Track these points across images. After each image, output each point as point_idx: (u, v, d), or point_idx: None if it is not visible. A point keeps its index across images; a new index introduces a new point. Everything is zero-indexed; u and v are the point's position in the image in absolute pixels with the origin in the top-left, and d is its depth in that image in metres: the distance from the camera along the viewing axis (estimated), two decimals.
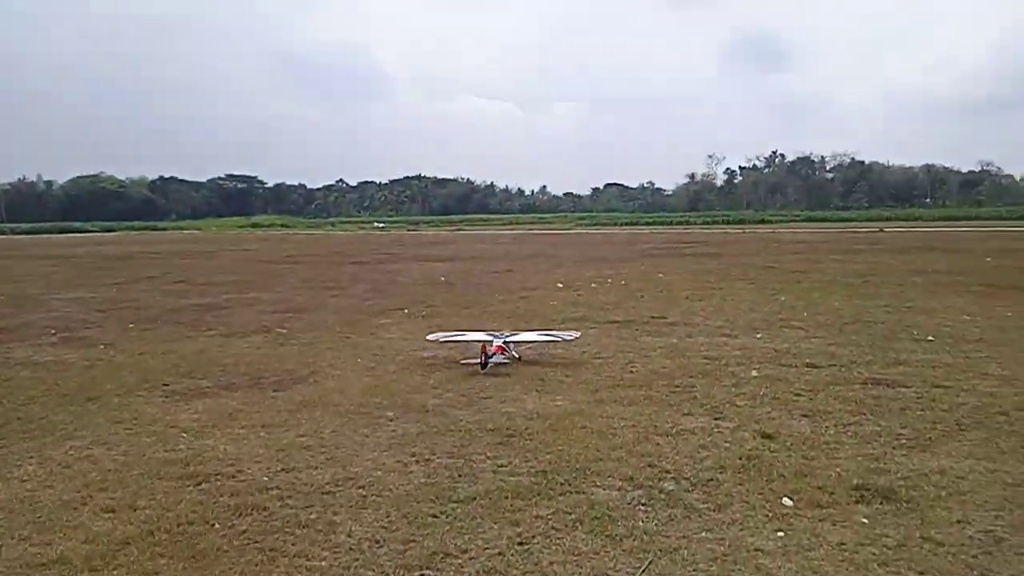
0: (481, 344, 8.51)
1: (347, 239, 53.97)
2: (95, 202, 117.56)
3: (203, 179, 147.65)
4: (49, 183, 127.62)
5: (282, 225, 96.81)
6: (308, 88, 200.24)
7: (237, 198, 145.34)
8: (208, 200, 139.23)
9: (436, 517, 4.30)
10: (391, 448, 5.61)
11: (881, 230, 51.18)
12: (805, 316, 11.58)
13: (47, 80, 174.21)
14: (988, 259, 22.86)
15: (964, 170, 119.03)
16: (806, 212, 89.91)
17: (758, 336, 9.91)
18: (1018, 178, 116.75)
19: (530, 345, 9.41)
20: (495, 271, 22.10)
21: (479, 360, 8.21)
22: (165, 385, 7.82)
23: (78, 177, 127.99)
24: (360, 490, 4.75)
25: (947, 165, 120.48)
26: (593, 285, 17.15)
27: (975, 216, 73.79)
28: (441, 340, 9.31)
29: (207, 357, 9.31)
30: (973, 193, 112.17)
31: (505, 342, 8.96)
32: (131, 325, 12.10)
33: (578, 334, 9.50)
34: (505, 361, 8.59)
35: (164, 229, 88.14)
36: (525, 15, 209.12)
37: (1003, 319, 10.92)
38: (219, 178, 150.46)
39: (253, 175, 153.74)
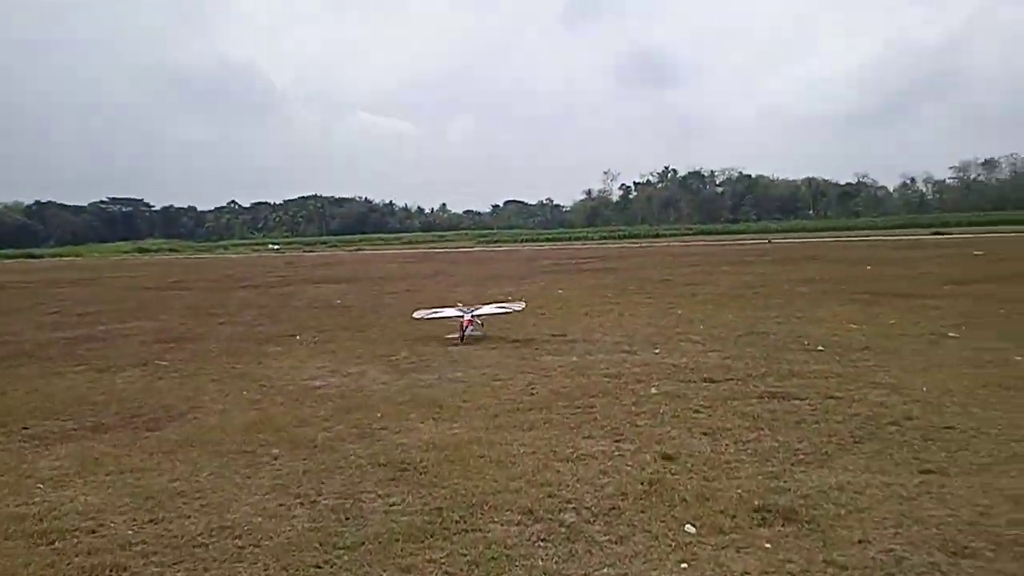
0: (460, 321, 11.43)
1: (239, 262, 52.26)
2: None
3: (85, 203, 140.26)
4: None
5: (170, 249, 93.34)
6: (198, 108, 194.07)
7: (122, 222, 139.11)
8: (90, 225, 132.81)
9: (320, 568, 3.93)
10: (274, 490, 5.19)
11: (769, 241, 53.25)
12: (701, 329, 11.69)
13: None
14: (868, 267, 23.95)
15: (842, 182, 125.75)
16: (698, 225, 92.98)
17: (656, 351, 9.90)
18: (891, 189, 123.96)
19: (487, 317, 12.13)
20: (393, 292, 21.65)
21: (459, 335, 11.16)
22: (24, 429, 7.09)
23: None
24: (236, 540, 4.32)
25: (827, 178, 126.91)
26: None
27: (854, 226, 77.93)
28: (426, 317, 12.19)
29: (76, 395, 8.57)
30: (851, 204, 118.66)
31: (472, 316, 11.78)
32: None
33: (523, 304, 12.88)
34: (477, 333, 11.51)
35: (40, 256, 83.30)
36: (422, 34, 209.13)
37: (886, 327, 11.30)
38: (102, 202, 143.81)
39: (139, 198, 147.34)
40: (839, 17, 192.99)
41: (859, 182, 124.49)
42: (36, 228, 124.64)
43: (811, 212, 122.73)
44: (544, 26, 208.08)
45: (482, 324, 11.77)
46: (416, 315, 12.42)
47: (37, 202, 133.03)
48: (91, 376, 9.74)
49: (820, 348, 9.63)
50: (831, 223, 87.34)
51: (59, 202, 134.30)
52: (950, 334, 10.41)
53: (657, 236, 75.71)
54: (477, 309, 12.23)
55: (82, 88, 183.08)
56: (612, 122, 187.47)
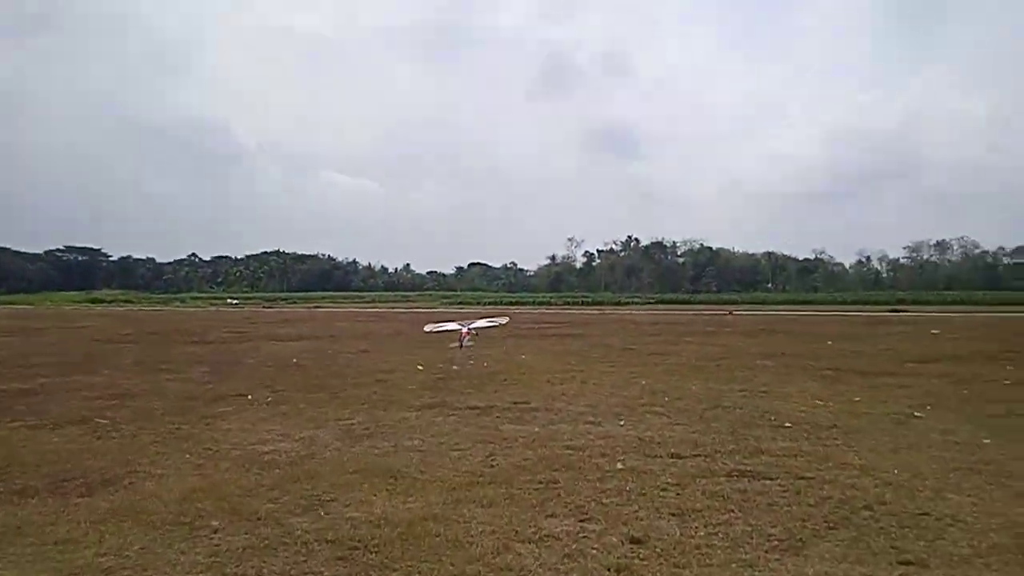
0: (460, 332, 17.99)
1: (194, 316, 51.26)
2: None
3: (39, 250, 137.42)
4: None
5: (125, 300, 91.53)
6: (164, 160, 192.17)
7: (78, 271, 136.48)
8: (46, 273, 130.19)
9: None
10: (210, 568, 4.76)
11: (730, 313, 53.69)
12: (666, 401, 11.44)
13: None
14: (829, 343, 24.07)
15: (801, 257, 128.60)
16: (660, 294, 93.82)
17: (621, 423, 9.60)
18: (847, 266, 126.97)
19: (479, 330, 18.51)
20: (352, 352, 21.17)
21: (459, 343, 17.48)
22: None
23: None
24: None
25: (786, 252, 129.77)
26: (454, 368, 16.58)
27: (813, 300, 79.31)
28: (435, 331, 19.18)
29: (4, 454, 7.99)
30: (810, 279, 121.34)
31: (469, 330, 18.92)
32: None
33: (507, 319, 19.95)
34: (471, 344, 17.91)
35: None
36: (392, 97, 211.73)
37: (852, 404, 11.16)
38: (58, 250, 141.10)
39: (97, 247, 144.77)
40: (796, 99, 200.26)
41: (817, 258, 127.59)
42: None
43: (771, 285, 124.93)
44: (511, 97, 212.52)
45: (476, 334, 18.51)
46: (426, 328, 20.85)
47: None
48: (24, 434, 9.15)
49: (787, 425, 9.42)
50: (791, 296, 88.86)
51: (14, 249, 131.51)
52: (916, 414, 10.29)
53: (620, 304, 76.15)
54: (472, 323, 19.69)
55: (44, 136, 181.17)
56: (577, 190, 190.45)
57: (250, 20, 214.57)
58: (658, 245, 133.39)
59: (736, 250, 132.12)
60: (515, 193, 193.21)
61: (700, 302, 79.20)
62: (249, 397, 12.05)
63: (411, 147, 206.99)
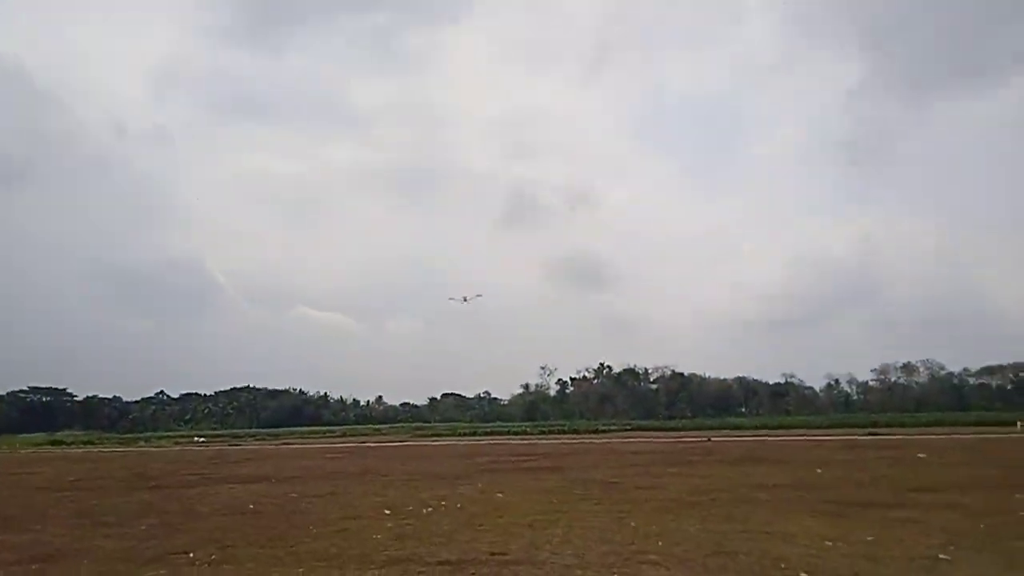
0: None
1: (156, 457, 48.84)
2: None
3: (2, 392, 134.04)
4: None
5: (86, 442, 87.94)
6: (134, 300, 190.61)
7: (41, 412, 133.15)
8: (7, 415, 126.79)
9: None
10: None
11: (709, 439, 52.34)
12: (661, 547, 10.24)
13: None
14: (819, 471, 22.96)
15: (771, 382, 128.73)
16: (635, 421, 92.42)
17: None
18: (818, 389, 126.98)
19: None
20: (315, 494, 19.60)
21: None
22: None
23: None
24: None
25: (756, 377, 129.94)
26: (426, 510, 15.22)
27: (788, 425, 78.20)
28: None
29: None
30: (782, 403, 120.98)
31: None
32: None
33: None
34: None
35: None
36: (361, 233, 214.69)
37: (867, 545, 10.06)
38: (21, 391, 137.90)
39: (61, 387, 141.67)
40: (755, 228, 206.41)
41: (787, 382, 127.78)
42: None
43: (743, 410, 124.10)
44: (481, 231, 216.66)
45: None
46: None
47: None
48: None
49: (803, 575, 8.30)
50: (765, 421, 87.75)
51: None
52: (941, 556, 9.22)
53: (596, 431, 74.36)
54: None
55: (10, 278, 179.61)
56: (546, 319, 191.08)
57: (226, 163, 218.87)
58: (630, 372, 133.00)
59: (708, 375, 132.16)
60: (486, 323, 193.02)
61: (676, 428, 77.69)
62: (191, 555, 10.65)
63: (384, 281, 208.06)
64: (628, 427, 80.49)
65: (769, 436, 57.16)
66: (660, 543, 10.54)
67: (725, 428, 75.20)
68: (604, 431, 74.85)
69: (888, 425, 70.03)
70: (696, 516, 13.32)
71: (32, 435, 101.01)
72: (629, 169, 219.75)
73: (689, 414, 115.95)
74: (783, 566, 8.78)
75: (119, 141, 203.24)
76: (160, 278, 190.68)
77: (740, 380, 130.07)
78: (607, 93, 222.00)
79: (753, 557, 9.39)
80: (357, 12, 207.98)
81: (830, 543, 10.25)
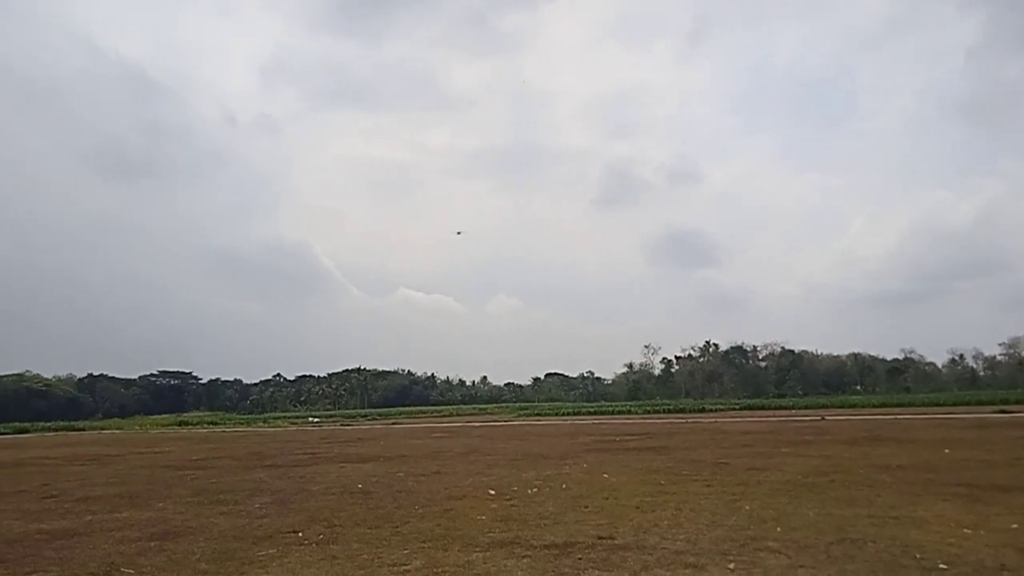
0: None
1: (273, 437, 50.72)
2: (17, 401, 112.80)
3: (135, 376, 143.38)
4: None
5: (211, 422, 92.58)
6: (246, 284, 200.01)
7: (170, 395, 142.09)
8: (139, 397, 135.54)
9: None
10: None
11: (823, 418, 50.31)
12: (779, 532, 9.67)
13: None
14: (946, 451, 21.55)
15: (889, 358, 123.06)
16: (744, 400, 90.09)
17: (731, 566, 7.92)
18: (940, 365, 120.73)
19: None
20: (421, 474, 19.75)
21: None
22: None
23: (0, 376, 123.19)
24: None
25: (872, 353, 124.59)
26: (531, 491, 15.04)
27: (908, 403, 74.34)
28: None
29: None
30: (900, 380, 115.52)
31: None
32: None
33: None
34: None
35: (82, 429, 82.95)
36: (460, 215, 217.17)
37: (1011, 534, 9.19)
38: (151, 375, 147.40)
39: (187, 371, 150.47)
40: (866, 200, 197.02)
41: (906, 358, 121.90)
42: (86, 401, 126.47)
43: (859, 388, 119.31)
44: (580, 209, 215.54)
45: None
46: None
47: (89, 375, 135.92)
48: None
49: (942, 566, 7.61)
50: (884, 399, 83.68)
51: (110, 375, 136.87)
52: None
53: (703, 411, 72.78)
54: None
55: (136, 266, 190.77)
56: (649, 297, 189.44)
57: (331, 149, 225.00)
58: (738, 350, 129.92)
59: (819, 353, 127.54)
60: (588, 302, 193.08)
61: (787, 407, 75.10)
62: (300, 534, 10.78)
63: (483, 262, 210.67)
64: (736, 406, 78.47)
65: (888, 414, 54.52)
66: (778, 528, 9.95)
67: (840, 406, 72.21)
68: (711, 410, 73.22)
69: (1020, 402, 65.61)
70: (815, 499, 12.60)
71: (161, 416, 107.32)
72: (732, 144, 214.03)
73: (800, 392, 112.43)
74: (918, 556, 8.09)
75: (231, 132, 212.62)
76: (271, 264, 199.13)
77: (855, 357, 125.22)
78: (709, 67, 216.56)
79: (882, 545, 8.71)
80: None
81: (968, 531, 9.43)
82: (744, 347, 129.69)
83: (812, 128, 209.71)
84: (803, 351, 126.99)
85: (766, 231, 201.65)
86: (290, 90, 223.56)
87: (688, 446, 26.71)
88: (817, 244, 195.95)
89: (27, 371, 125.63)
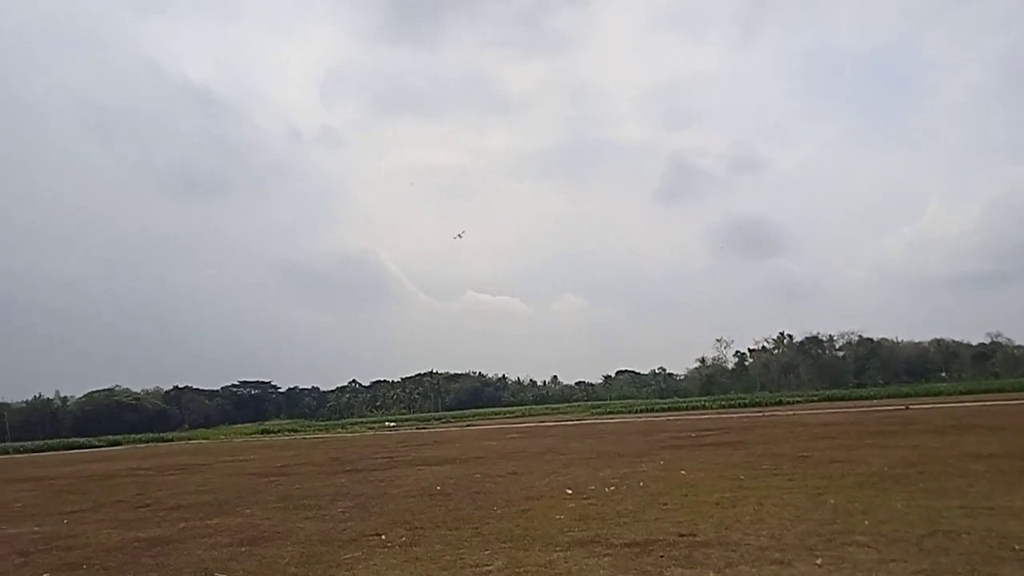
0: None
1: (352, 442, 51.72)
2: (109, 415, 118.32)
3: (217, 387, 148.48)
4: (64, 399, 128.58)
5: (291, 430, 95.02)
6: (317, 294, 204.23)
7: (251, 404, 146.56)
8: (222, 408, 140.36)
9: None
10: None
11: (907, 407, 48.70)
12: (867, 526, 9.42)
13: (59, 297, 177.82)
14: None
15: (974, 343, 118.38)
16: (823, 391, 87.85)
17: (818, 562, 7.76)
18: None
19: None
20: (498, 475, 19.88)
21: None
22: None
23: (92, 392, 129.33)
24: None
25: (956, 339, 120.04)
26: (608, 489, 14.99)
27: (997, 388, 71.38)
28: None
29: None
30: (988, 366, 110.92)
31: None
32: (45, 575, 10.01)
33: None
34: None
35: (171, 440, 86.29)
36: (521, 215, 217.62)
37: None
38: (233, 385, 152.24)
39: (267, 380, 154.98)
40: (940, 179, 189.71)
41: (992, 342, 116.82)
42: (173, 412, 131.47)
43: (944, 375, 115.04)
44: (640, 203, 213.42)
45: None
46: None
47: (175, 387, 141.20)
48: None
49: None
50: (971, 386, 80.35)
51: (195, 387, 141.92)
52: None
53: (780, 403, 71.30)
54: None
55: (211, 280, 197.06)
56: (717, 290, 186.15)
57: (391, 158, 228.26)
58: (814, 340, 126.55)
59: (899, 340, 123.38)
60: (655, 297, 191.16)
61: (868, 397, 72.84)
62: (383, 537, 11.00)
63: (547, 262, 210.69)
64: (814, 398, 76.56)
65: (976, 401, 52.45)
66: (865, 522, 9.70)
67: (924, 395, 69.77)
68: (788, 403, 71.71)
69: None
70: (903, 491, 12.22)
71: (244, 425, 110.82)
72: (795, 128, 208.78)
73: (881, 381, 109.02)
74: (1016, 547, 7.79)
75: (294, 146, 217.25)
76: (341, 273, 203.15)
77: (938, 343, 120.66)
78: (766, 52, 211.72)
79: (977, 536, 8.41)
80: None
81: None
82: (820, 337, 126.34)
83: (878, 107, 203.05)
84: (882, 339, 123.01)
85: (835, 216, 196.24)
86: (350, 101, 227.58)
87: (766, 440, 26.22)
88: (890, 227, 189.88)
89: (117, 386, 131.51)
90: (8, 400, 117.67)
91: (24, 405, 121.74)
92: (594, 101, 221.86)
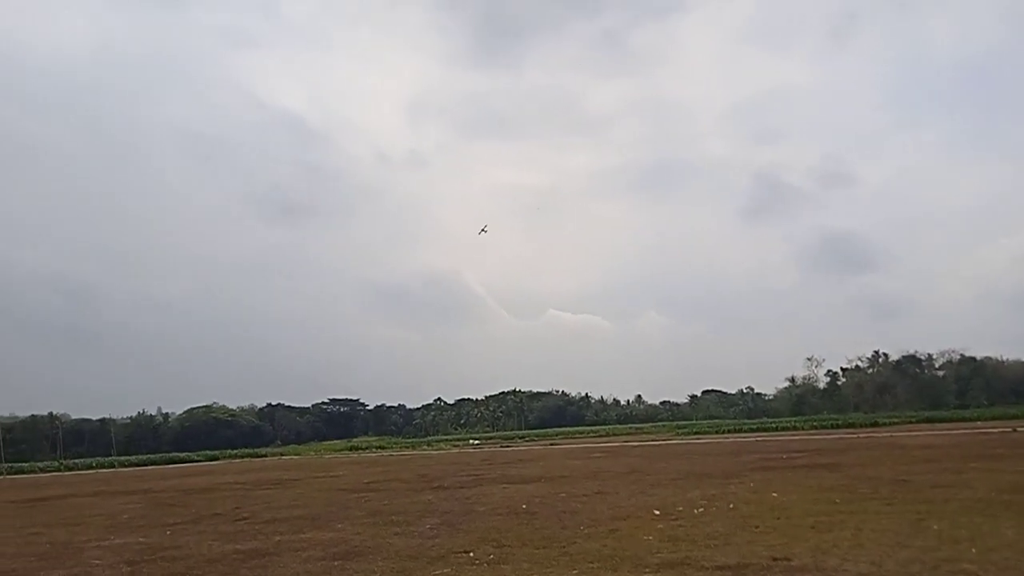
0: None
1: (437, 459, 52.27)
2: (207, 431, 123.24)
3: (308, 404, 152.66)
4: (166, 415, 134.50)
5: (379, 447, 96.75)
6: (403, 313, 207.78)
7: (340, 421, 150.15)
8: (313, 424, 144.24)
9: None
10: None
11: (1014, 429, 46.21)
12: (974, 554, 8.99)
13: (162, 319, 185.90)
14: None
15: None
16: (921, 412, 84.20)
17: None
18: None
19: None
20: (584, 494, 19.77)
21: None
22: None
23: (192, 408, 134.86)
24: None
25: None
26: (697, 510, 14.72)
27: None
28: None
29: None
30: None
31: None
32: None
33: None
34: None
35: (264, 456, 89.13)
36: (604, 233, 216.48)
37: None
38: (323, 402, 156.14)
39: (355, 398, 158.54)
40: None
41: None
42: (266, 429, 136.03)
43: None
44: (725, 219, 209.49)
45: None
46: None
47: (268, 404, 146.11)
48: None
49: None
50: None
51: (287, 404, 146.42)
52: None
53: (875, 425, 68.64)
54: None
55: (302, 301, 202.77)
56: (807, 307, 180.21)
57: (475, 179, 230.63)
58: (911, 359, 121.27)
59: (1005, 359, 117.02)
60: (741, 315, 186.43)
61: (971, 419, 69.35)
62: (471, 554, 11.08)
63: (630, 280, 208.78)
64: (912, 419, 73.44)
65: None
66: (973, 549, 9.25)
67: None
68: (884, 424, 68.99)
69: None
70: (1013, 518, 11.59)
71: (333, 442, 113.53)
72: (887, 141, 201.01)
73: (985, 402, 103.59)
74: None
75: (381, 169, 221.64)
76: (426, 292, 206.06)
77: None
78: (858, 63, 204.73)
79: None
80: (585, 17, 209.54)
81: None
82: (918, 356, 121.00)
83: (975, 116, 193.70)
84: (986, 357, 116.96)
85: (932, 230, 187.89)
86: (435, 125, 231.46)
87: (863, 463, 25.28)
88: (991, 239, 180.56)
89: (215, 403, 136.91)
90: (114, 416, 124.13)
91: (129, 421, 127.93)
92: (677, 118, 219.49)
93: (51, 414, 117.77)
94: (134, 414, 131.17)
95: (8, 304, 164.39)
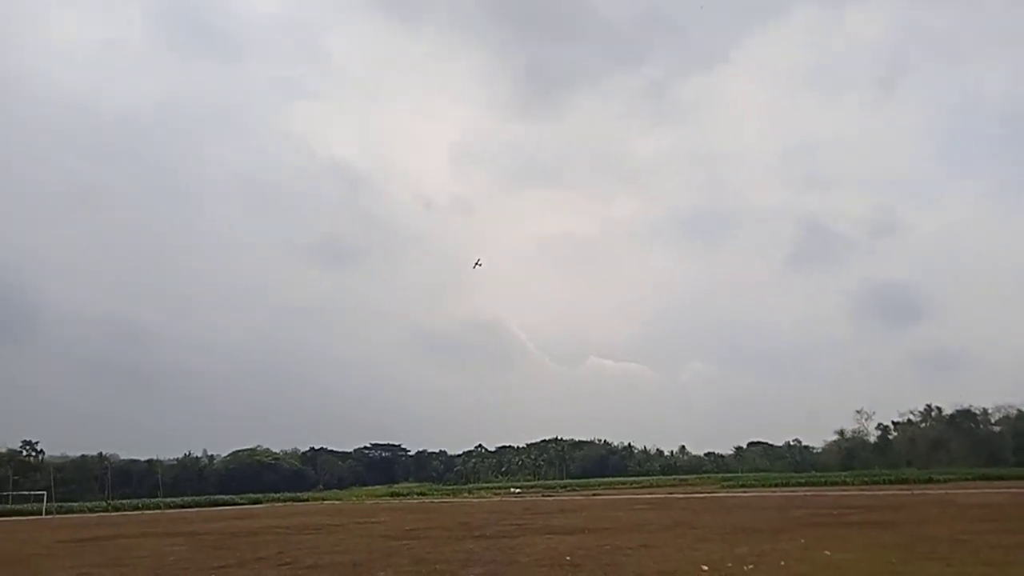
0: None
1: (479, 508, 51.90)
2: (251, 474, 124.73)
3: (350, 449, 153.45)
4: (211, 457, 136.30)
5: (420, 493, 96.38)
6: (446, 359, 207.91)
7: (382, 466, 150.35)
8: (354, 469, 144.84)
9: None
10: None
11: None
12: None
13: (209, 362, 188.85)
14: None
15: None
16: (977, 469, 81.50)
17: None
18: None
19: None
20: (629, 547, 19.45)
21: None
22: None
23: (236, 451, 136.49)
24: None
25: None
26: (747, 567, 14.40)
27: None
28: None
29: None
30: None
31: None
32: None
33: None
34: None
35: (306, 500, 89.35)
36: (648, 282, 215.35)
37: None
38: (365, 447, 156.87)
39: (397, 443, 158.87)
40: None
41: None
42: (308, 473, 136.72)
43: None
44: (772, 268, 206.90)
45: None
46: None
47: (311, 449, 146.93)
48: None
49: None
50: None
51: (329, 448, 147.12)
52: None
53: (929, 481, 66.54)
54: None
55: (348, 346, 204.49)
56: (855, 359, 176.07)
57: (519, 227, 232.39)
58: (966, 413, 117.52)
59: None
60: (788, 367, 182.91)
61: None
62: None
63: (674, 328, 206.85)
64: (969, 476, 70.99)
65: None
66: None
67: None
68: (939, 480, 66.86)
69: None
70: None
71: (375, 487, 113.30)
72: (939, 190, 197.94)
73: None
74: None
75: (428, 216, 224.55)
76: (469, 339, 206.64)
77: None
78: (906, 112, 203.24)
79: None
80: (630, 68, 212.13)
81: None
82: (973, 410, 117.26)
83: None
84: None
85: (986, 280, 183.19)
86: (481, 174, 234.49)
87: (918, 520, 24.51)
88: None
89: (259, 446, 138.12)
90: (161, 457, 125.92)
91: (175, 463, 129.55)
92: (723, 166, 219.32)
93: (101, 454, 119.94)
94: (180, 455, 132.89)
95: (65, 344, 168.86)
